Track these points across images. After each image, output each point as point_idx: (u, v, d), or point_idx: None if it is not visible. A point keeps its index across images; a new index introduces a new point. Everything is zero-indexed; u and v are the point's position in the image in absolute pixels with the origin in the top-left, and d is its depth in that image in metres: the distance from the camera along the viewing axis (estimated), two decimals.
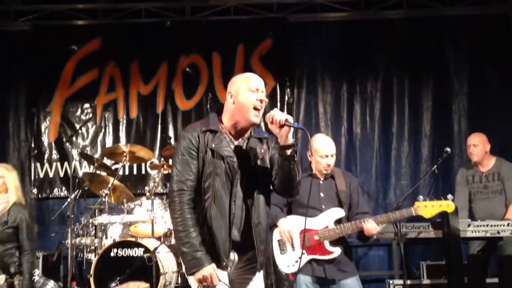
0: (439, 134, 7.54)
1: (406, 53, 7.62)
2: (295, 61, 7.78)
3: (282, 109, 7.59)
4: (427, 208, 4.22)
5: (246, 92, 2.97)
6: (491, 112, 7.32)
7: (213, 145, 2.94)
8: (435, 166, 5.54)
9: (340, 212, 4.31)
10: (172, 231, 5.66)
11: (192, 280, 2.96)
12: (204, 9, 7.78)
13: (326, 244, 4.22)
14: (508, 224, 4.83)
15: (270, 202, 3.13)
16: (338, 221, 4.28)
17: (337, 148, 7.43)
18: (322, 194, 4.35)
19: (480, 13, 7.62)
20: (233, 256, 3.01)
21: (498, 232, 4.81)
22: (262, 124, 3.32)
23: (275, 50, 7.67)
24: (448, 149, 5.39)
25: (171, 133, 7.59)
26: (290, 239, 4.20)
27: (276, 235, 4.32)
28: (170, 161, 6.92)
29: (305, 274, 4.21)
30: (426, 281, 6.10)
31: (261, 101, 2.96)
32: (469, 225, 4.89)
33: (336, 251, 4.22)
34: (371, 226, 4.20)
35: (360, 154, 7.66)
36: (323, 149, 4.39)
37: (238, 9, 7.78)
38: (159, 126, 7.65)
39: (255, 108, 2.96)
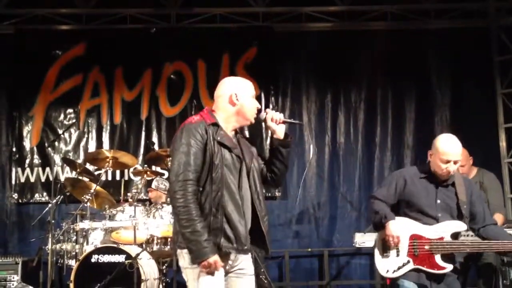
0: (421, 145, 7.56)
1: (389, 64, 7.70)
2: (280, 70, 7.81)
3: None
4: None
5: (250, 98, 3.23)
6: (473, 124, 7.40)
7: (219, 138, 3.06)
8: None
9: (461, 226, 3.80)
10: (154, 238, 5.64)
11: (189, 273, 2.99)
12: (189, 16, 7.79)
13: (437, 257, 3.75)
14: None
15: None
16: (454, 235, 3.81)
17: (320, 157, 7.70)
18: (438, 201, 3.85)
19: (462, 27, 7.75)
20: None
21: None
22: None
23: (260, 59, 7.69)
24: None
25: (155, 139, 7.54)
26: (396, 245, 3.79)
27: (381, 235, 3.90)
28: (154, 167, 6.90)
29: (410, 280, 3.78)
30: None
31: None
32: None
33: (448, 267, 3.74)
34: None
35: (343, 163, 7.70)
36: (446, 154, 3.75)
37: (224, 17, 7.80)
38: (143, 132, 7.62)
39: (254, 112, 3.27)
